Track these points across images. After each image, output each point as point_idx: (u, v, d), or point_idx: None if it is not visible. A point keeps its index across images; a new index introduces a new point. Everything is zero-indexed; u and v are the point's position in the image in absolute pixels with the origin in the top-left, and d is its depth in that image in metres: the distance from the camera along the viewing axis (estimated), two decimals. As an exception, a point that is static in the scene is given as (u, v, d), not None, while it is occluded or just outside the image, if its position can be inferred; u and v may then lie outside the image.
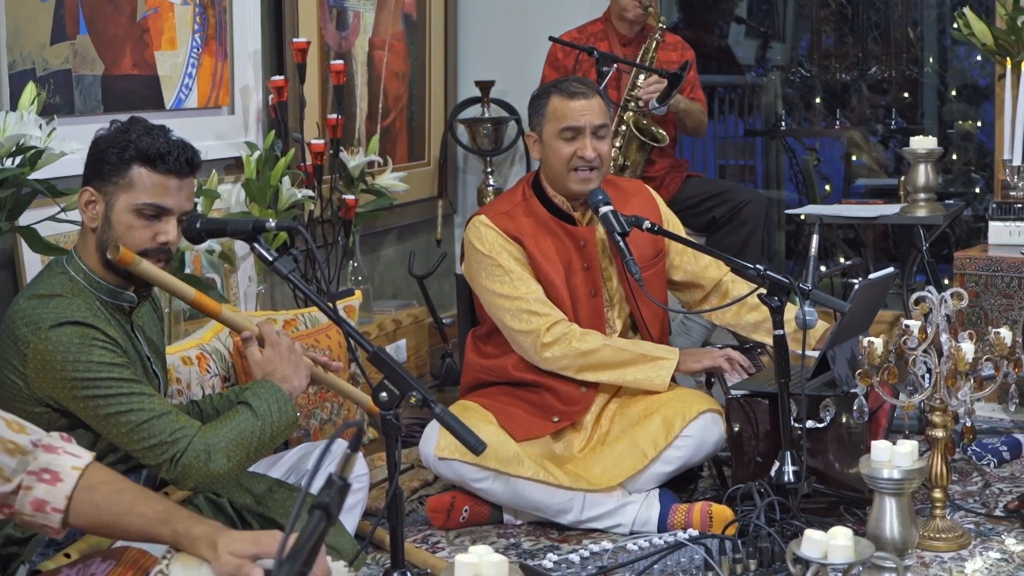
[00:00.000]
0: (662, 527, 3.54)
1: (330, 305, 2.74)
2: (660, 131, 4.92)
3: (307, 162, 4.55)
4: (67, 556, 2.50)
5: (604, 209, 3.54)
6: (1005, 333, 3.30)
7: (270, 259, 2.76)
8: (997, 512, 3.63)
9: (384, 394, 2.60)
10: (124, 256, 2.64)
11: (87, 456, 2.28)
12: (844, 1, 7.56)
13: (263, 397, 2.71)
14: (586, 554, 3.37)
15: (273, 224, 2.80)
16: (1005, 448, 4.08)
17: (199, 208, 3.90)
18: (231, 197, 4.22)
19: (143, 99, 4.02)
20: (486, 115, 5.78)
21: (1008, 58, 4.89)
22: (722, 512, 3.47)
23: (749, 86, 7.73)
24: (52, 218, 3.16)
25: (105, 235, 2.69)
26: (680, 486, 3.76)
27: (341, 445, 2.31)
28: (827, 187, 7.62)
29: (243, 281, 4.28)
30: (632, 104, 4.89)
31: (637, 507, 3.56)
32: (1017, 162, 4.75)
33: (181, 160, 2.69)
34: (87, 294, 2.69)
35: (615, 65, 4.81)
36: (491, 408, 3.67)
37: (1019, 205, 4.90)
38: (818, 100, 7.69)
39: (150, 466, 2.63)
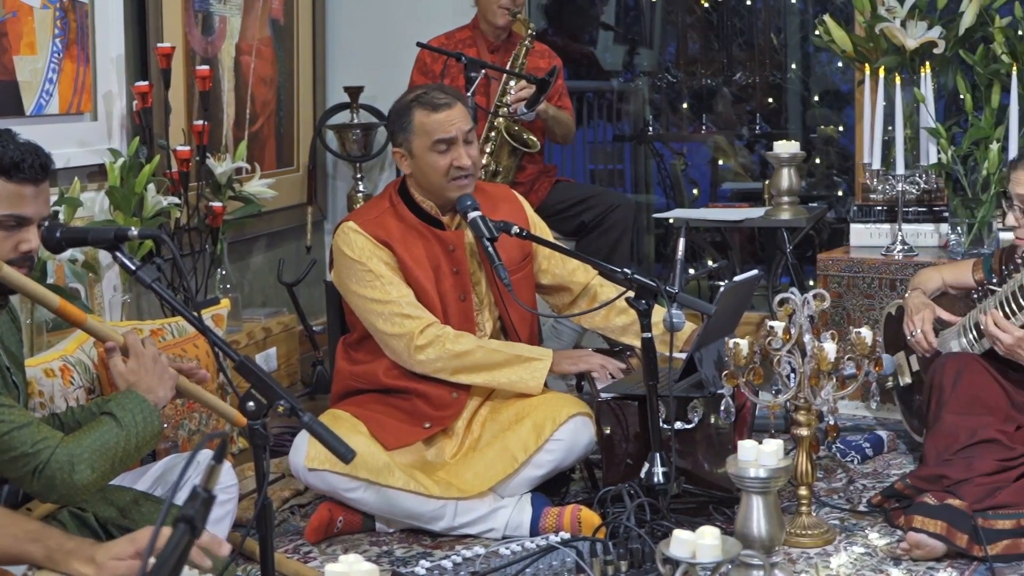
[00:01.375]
0: (534, 531, 3.55)
1: (195, 314, 2.70)
2: (531, 137, 4.94)
3: (173, 169, 4.48)
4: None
5: (473, 214, 3.55)
6: (866, 333, 3.37)
7: (133, 268, 2.71)
8: (861, 508, 3.71)
9: (251, 403, 2.57)
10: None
11: None
12: (709, 8, 7.67)
13: (127, 407, 2.66)
14: (458, 560, 3.37)
15: (136, 232, 2.75)
16: (868, 445, 4.17)
17: (61, 217, 3.83)
18: (94, 205, 4.14)
19: (2, 105, 3.92)
20: (355, 121, 5.75)
21: (867, 64, 5.00)
22: (590, 517, 3.49)
23: (617, 92, 7.80)
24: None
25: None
26: (552, 489, 3.77)
27: (207, 456, 2.28)
28: (695, 191, 7.73)
29: (108, 290, 4.20)
30: (503, 110, 4.90)
31: (509, 511, 3.57)
32: (877, 166, 4.86)
33: (36, 167, 2.62)
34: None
35: (483, 71, 4.82)
36: (362, 417, 3.65)
37: (879, 208, 5.02)
38: (685, 105, 7.80)
39: (12, 479, 2.57)
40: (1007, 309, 3.49)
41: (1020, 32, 4.78)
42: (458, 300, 3.74)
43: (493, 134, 4.90)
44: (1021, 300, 3.44)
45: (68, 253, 3.83)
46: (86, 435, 2.60)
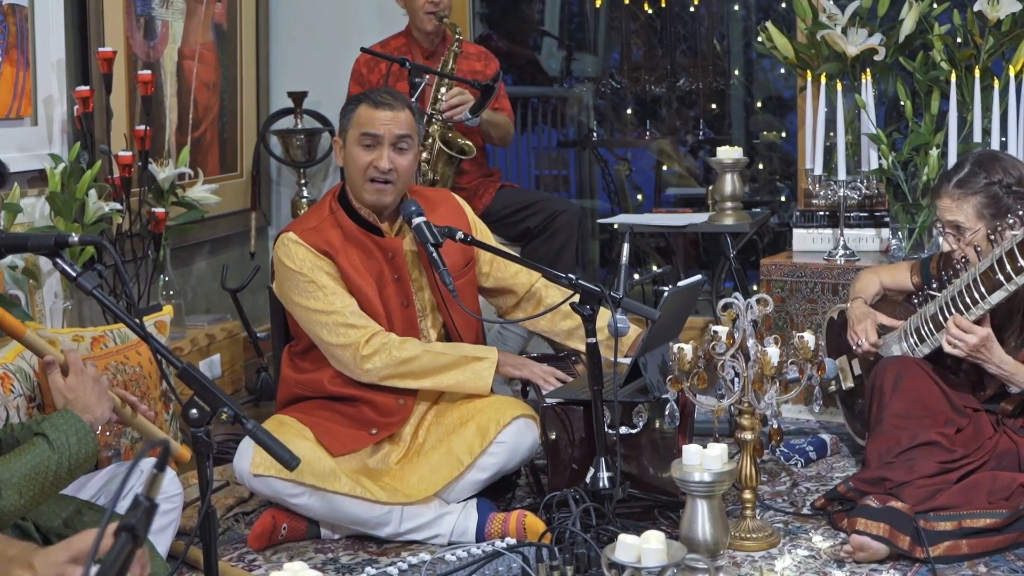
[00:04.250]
0: (480, 537, 3.55)
1: (138, 321, 2.68)
2: (467, 143, 4.93)
3: (115, 175, 4.44)
4: None
5: (417, 220, 3.54)
6: (808, 337, 3.39)
7: (73, 275, 2.68)
8: (805, 511, 3.73)
9: (194, 411, 2.55)
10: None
11: None
12: (653, 15, 7.71)
13: (61, 428, 2.62)
14: (404, 566, 3.36)
15: (76, 239, 2.72)
16: (811, 448, 4.20)
17: (0, 223, 3.78)
18: (35, 211, 4.10)
19: (-61, 110, 3.88)
20: (299, 126, 5.73)
21: (808, 71, 5.05)
22: (535, 523, 3.49)
23: (561, 97, 7.82)
24: None
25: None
26: (498, 495, 3.77)
27: (150, 464, 2.26)
28: (639, 196, 7.76)
29: (49, 297, 4.16)
30: (437, 117, 4.89)
31: (455, 517, 3.57)
32: (819, 171, 4.90)
33: None
34: None
35: (427, 76, 4.81)
36: (308, 423, 3.64)
37: (822, 213, 5.06)
38: (629, 111, 7.83)
39: None
40: (958, 307, 3.53)
41: (959, 40, 4.84)
42: (401, 307, 3.73)
43: (428, 141, 4.88)
44: (968, 300, 3.47)
45: (8, 259, 3.79)
46: (16, 459, 2.55)
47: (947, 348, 3.53)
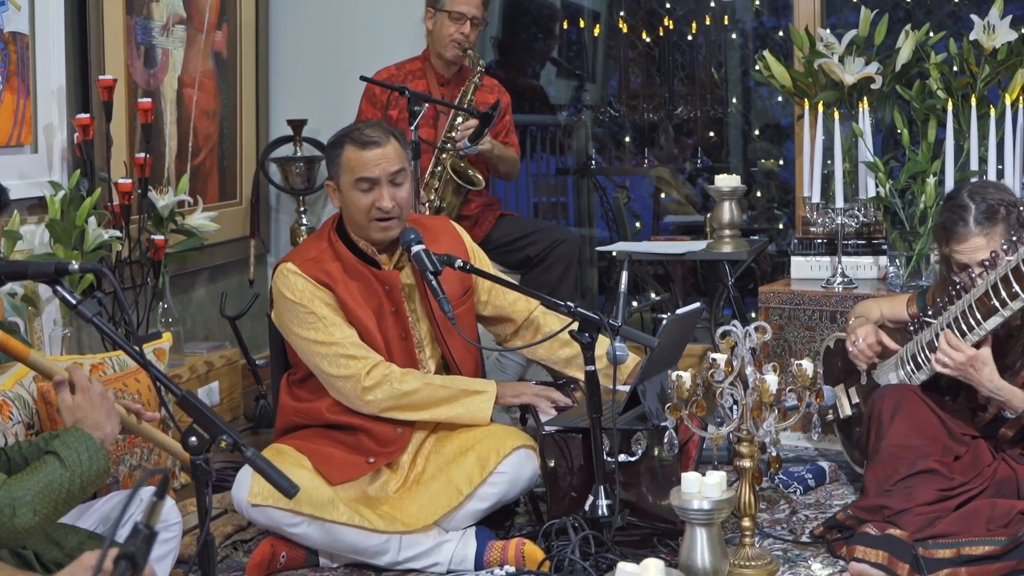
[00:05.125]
0: (479, 565, 3.54)
1: (137, 348, 2.68)
2: (477, 175, 4.95)
3: (114, 202, 4.45)
4: None
5: (416, 248, 3.55)
6: (807, 365, 3.39)
7: (73, 302, 2.68)
8: (804, 538, 3.73)
9: (193, 439, 2.55)
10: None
11: None
12: (651, 43, 7.74)
13: (72, 446, 2.64)
14: (403, 594, 3.36)
15: (76, 266, 2.73)
16: (810, 476, 4.20)
17: (0, 251, 3.79)
18: (34, 238, 4.10)
19: (-60, 138, 3.89)
20: (298, 154, 5.74)
21: (806, 99, 5.06)
22: (534, 551, 3.48)
23: (561, 126, 7.84)
24: None
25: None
26: (496, 523, 3.77)
27: (150, 492, 2.26)
28: (637, 224, 7.77)
29: (48, 324, 4.16)
30: (448, 146, 4.91)
31: (454, 545, 3.56)
32: (817, 199, 4.91)
33: None
34: None
35: (427, 104, 4.83)
36: (306, 451, 3.63)
37: (819, 241, 5.07)
38: (627, 139, 7.85)
39: None
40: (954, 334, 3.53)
41: (955, 68, 4.86)
42: (400, 339, 3.74)
43: (439, 169, 4.91)
44: (964, 326, 3.47)
45: (7, 287, 3.79)
46: (29, 477, 2.56)
47: (936, 366, 3.52)
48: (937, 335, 3.58)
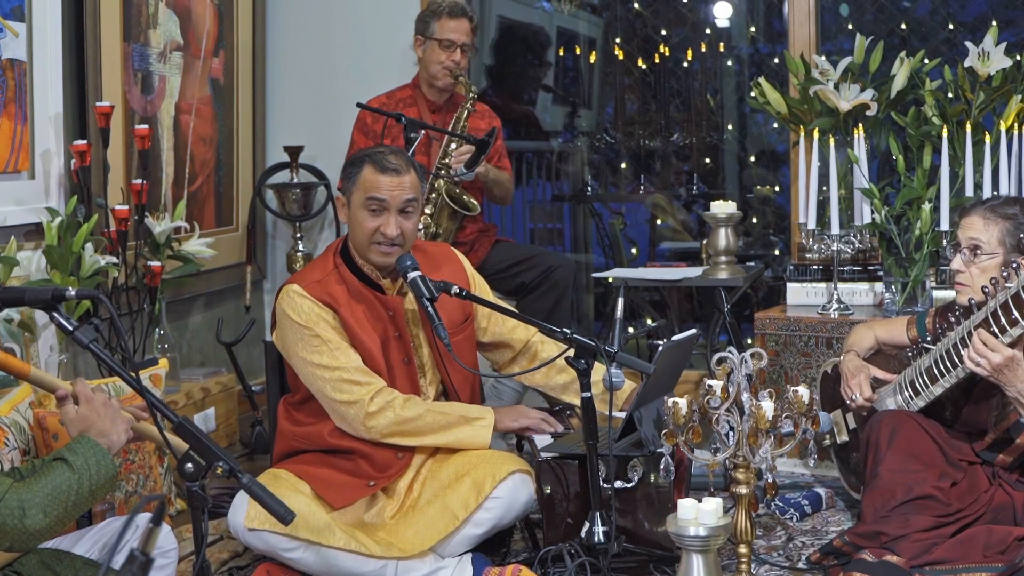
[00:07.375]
0: (475, 591, 3.54)
1: (133, 375, 2.68)
2: (472, 200, 4.96)
3: (111, 228, 4.46)
4: None
5: (412, 275, 3.55)
6: (803, 391, 3.40)
7: (70, 328, 2.69)
8: (800, 565, 3.72)
9: (189, 465, 2.55)
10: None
11: None
12: (647, 70, 7.76)
13: (80, 452, 2.65)
14: (399, 621, 3.35)
15: (73, 292, 2.73)
16: (807, 502, 4.20)
17: (-3, 276, 3.79)
18: (31, 264, 4.11)
19: (-63, 164, 3.90)
20: (295, 180, 5.76)
21: (802, 126, 5.08)
22: (530, 578, 3.48)
23: (557, 152, 7.86)
24: None
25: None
26: (493, 549, 3.76)
27: (146, 519, 2.26)
28: (633, 250, 7.78)
29: (44, 350, 4.16)
30: (443, 172, 4.92)
31: (450, 572, 3.55)
32: (812, 225, 4.92)
33: None
34: None
35: (422, 131, 4.84)
36: (305, 475, 3.63)
37: (815, 267, 5.08)
38: (623, 165, 7.86)
39: None
40: (952, 360, 3.52)
41: (950, 95, 4.88)
42: (403, 364, 3.74)
43: (434, 195, 4.91)
44: (995, 326, 3.42)
45: (4, 313, 3.79)
46: (38, 480, 2.58)
47: (969, 365, 3.43)
48: (936, 362, 3.57)
